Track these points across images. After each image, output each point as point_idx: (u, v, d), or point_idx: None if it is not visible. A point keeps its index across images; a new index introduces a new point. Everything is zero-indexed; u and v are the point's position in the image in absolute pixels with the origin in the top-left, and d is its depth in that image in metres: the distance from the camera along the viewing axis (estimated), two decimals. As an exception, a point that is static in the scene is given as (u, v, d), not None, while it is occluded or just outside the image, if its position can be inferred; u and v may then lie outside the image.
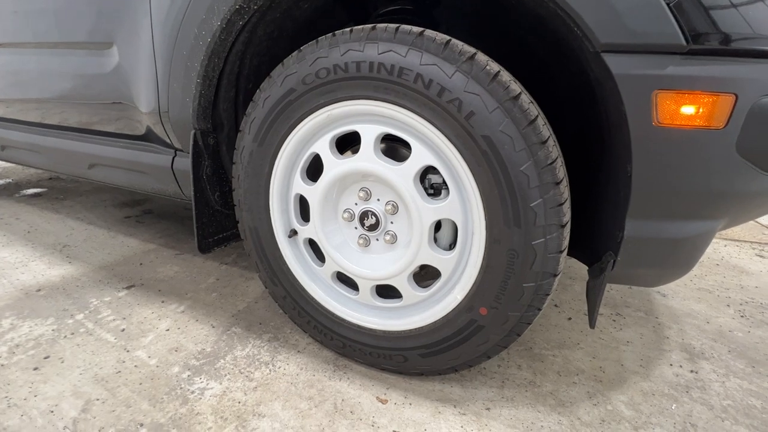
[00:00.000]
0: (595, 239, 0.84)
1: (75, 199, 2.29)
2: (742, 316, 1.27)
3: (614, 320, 1.22)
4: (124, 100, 1.10)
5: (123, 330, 1.11)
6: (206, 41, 0.87)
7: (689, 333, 1.17)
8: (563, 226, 0.68)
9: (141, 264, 1.52)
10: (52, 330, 1.10)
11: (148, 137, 1.14)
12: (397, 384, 0.93)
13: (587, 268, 0.92)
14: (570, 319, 1.22)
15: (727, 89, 0.55)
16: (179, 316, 1.18)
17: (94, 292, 1.31)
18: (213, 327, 1.13)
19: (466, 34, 0.99)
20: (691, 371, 1.01)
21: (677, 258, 0.70)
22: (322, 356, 1.02)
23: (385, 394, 0.90)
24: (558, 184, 0.66)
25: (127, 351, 1.02)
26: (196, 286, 1.36)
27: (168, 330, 1.12)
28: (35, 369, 0.95)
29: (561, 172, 0.67)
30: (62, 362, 0.98)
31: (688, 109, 0.57)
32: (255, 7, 0.83)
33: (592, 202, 0.83)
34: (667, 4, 0.53)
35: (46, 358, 0.99)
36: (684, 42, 0.54)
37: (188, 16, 0.87)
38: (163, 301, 1.26)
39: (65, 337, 1.08)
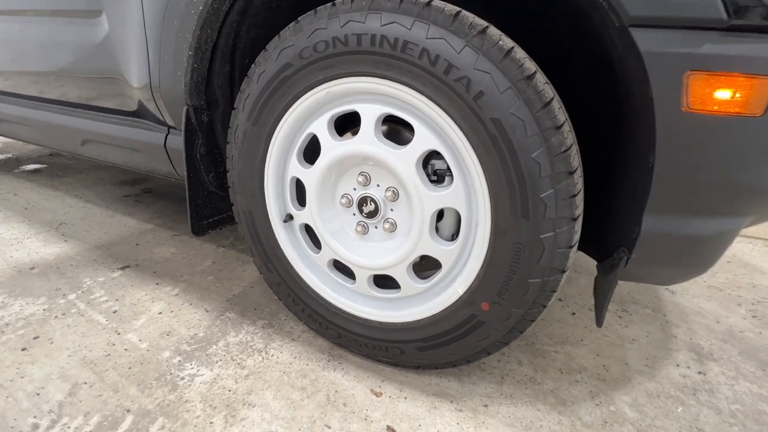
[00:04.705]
0: (608, 233, 0.79)
1: (74, 176, 2.26)
2: (753, 317, 1.22)
3: (620, 317, 1.18)
4: (115, 74, 1.05)
5: (115, 312, 1.09)
6: (198, 9, 0.81)
7: (698, 332, 1.13)
8: (575, 220, 0.63)
9: (137, 244, 1.50)
10: (43, 310, 1.08)
11: (141, 113, 1.09)
12: (393, 376, 0.90)
13: (596, 263, 0.87)
14: (574, 314, 1.18)
15: (768, 72, 0.49)
16: (173, 299, 1.16)
17: (89, 272, 1.28)
18: (207, 311, 1.11)
19: (477, 5, 0.91)
20: (699, 373, 0.97)
21: (697, 257, 0.65)
22: (317, 345, 0.99)
23: (380, 386, 0.87)
24: (572, 173, 0.61)
25: (118, 334, 1.00)
26: (192, 268, 1.33)
27: (161, 313, 1.09)
28: (23, 349, 0.93)
29: (575, 160, 0.62)
30: (51, 343, 0.96)
31: (723, 94, 0.51)
32: (250, -27, 0.77)
33: (606, 193, 0.78)
34: (709, -28, 0.47)
35: (35, 338, 0.97)
36: (725, 16, 0.48)
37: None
38: (157, 283, 1.24)
39: (56, 317, 1.06)
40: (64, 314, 1.07)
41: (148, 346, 0.96)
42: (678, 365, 0.99)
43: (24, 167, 2.43)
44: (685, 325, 1.16)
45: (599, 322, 0.77)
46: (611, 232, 0.77)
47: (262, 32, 0.96)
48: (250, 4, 0.87)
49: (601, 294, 0.75)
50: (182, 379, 0.86)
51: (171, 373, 0.88)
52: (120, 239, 1.53)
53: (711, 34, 0.49)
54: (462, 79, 0.61)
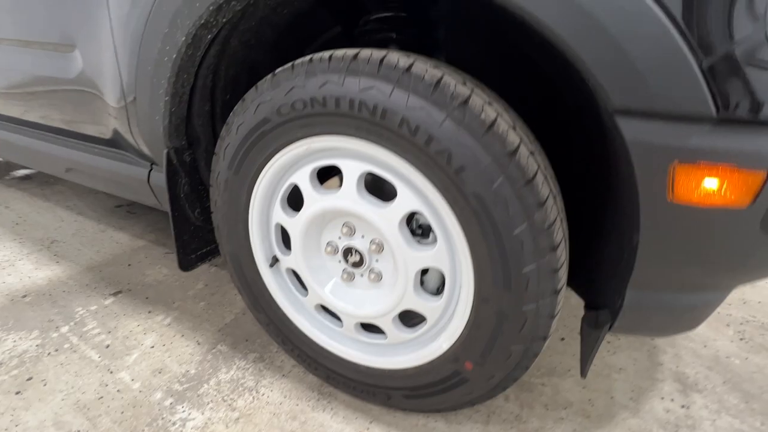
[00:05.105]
0: (595, 284, 0.79)
1: (65, 184, 2.24)
2: (741, 339, 1.24)
3: (608, 342, 1.19)
4: (93, 112, 1.01)
5: (108, 347, 1.10)
6: (171, 57, 0.77)
7: (684, 359, 1.14)
8: (557, 292, 0.62)
9: (129, 265, 1.50)
10: (36, 346, 1.09)
11: (122, 147, 1.07)
12: (381, 417, 0.91)
13: (583, 303, 0.87)
14: (563, 339, 1.19)
15: (757, 165, 0.47)
16: (165, 329, 1.17)
17: (81, 299, 1.29)
18: (198, 344, 1.12)
19: (466, 47, 0.88)
20: (683, 406, 0.98)
21: (680, 324, 0.65)
22: (307, 382, 1.00)
23: (368, 428, 0.89)
24: (555, 249, 0.60)
25: (111, 372, 1.01)
26: (184, 293, 1.34)
27: (153, 347, 1.10)
28: (17, 393, 0.95)
29: (559, 234, 0.60)
30: (45, 385, 0.97)
31: (709, 186, 0.49)
32: (224, 20, 0.73)
33: (594, 244, 0.77)
34: (699, 67, 0.44)
35: (29, 379, 0.99)
36: (714, 111, 0.46)
37: (149, 30, 0.77)
38: (150, 311, 1.24)
39: (49, 354, 1.07)
40: (57, 350, 1.08)
41: (141, 386, 0.98)
42: (662, 398, 1.01)
43: (15, 173, 2.41)
44: (672, 350, 1.17)
45: (584, 373, 0.77)
46: (597, 284, 0.76)
47: (243, 68, 0.93)
48: (227, 46, 0.84)
49: (588, 345, 0.76)
50: (174, 424, 0.88)
51: (163, 418, 0.89)
52: (112, 259, 1.53)
53: (698, 126, 0.47)
54: (443, 152, 0.59)
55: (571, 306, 1.35)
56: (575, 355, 1.13)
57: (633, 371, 1.08)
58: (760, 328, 1.29)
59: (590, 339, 0.73)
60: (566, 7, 0.47)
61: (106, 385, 0.97)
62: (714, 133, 0.47)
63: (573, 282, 0.88)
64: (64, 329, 1.16)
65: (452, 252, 0.69)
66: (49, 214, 1.90)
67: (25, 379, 0.99)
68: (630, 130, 0.49)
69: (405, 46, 0.89)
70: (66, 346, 1.09)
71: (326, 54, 0.66)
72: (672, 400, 1.00)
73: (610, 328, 0.66)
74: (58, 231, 1.74)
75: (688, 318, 0.64)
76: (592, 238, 0.77)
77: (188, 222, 1.05)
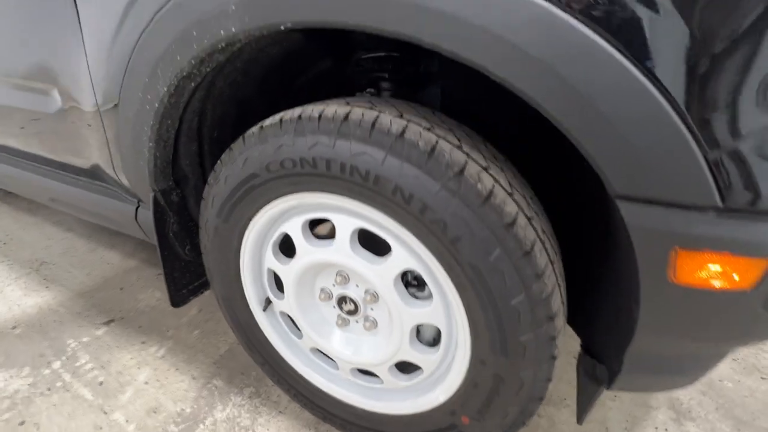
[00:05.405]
0: (591, 329, 0.78)
1: (53, 196, 2.19)
2: (734, 359, 1.25)
3: (604, 366, 1.20)
4: (74, 151, 0.98)
5: (101, 384, 1.08)
6: (153, 106, 0.74)
7: (678, 384, 1.15)
8: (554, 358, 0.61)
9: (121, 288, 1.47)
10: (28, 385, 1.08)
11: (108, 182, 1.03)
12: (378, 457, 0.92)
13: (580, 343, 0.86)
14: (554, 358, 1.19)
15: (761, 254, 0.46)
16: (159, 362, 1.16)
17: (72, 330, 1.27)
18: (193, 378, 1.11)
19: (461, 80, 0.85)
20: (676, 437, 1.00)
21: (678, 383, 0.65)
22: (304, 419, 1.00)
23: (365, 470, 0.89)
24: (552, 318, 0.59)
25: (105, 413, 1.00)
26: (178, 320, 1.32)
27: (147, 383, 1.09)
28: (10, 440, 0.94)
29: (557, 302, 0.59)
30: (38, 430, 0.96)
31: (712, 270, 0.48)
32: (207, 70, 0.70)
33: (592, 294, 0.76)
34: (705, 159, 0.42)
35: (21, 424, 0.97)
36: (720, 201, 0.44)
37: (128, 78, 0.73)
38: (143, 342, 1.23)
39: (42, 393, 1.05)
40: (49, 389, 1.07)
41: (135, 427, 0.97)
42: (656, 428, 1.02)
43: None
44: (666, 374, 1.18)
45: (580, 421, 0.77)
46: (596, 335, 0.76)
47: (231, 105, 0.89)
48: (213, 88, 0.80)
49: (585, 397, 0.75)
50: (170, 470, 0.88)
51: (159, 464, 0.89)
52: (104, 282, 1.51)
53: (702, 214, 0.45)
54: (438, 221, 0.57)
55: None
56: (571, 382, 1.14)
57: (628, 398, 1.09)
58: (752, 349, 1.30)
59: (588, 391, 0.73)
60: (565, 92, 0.45)
61: (101, 428, 0.97)
62: (718, 222, 0.45)
63: (569, 319, 0.88)
64: (56, 365, 1.14)
65: (448, 311, 0.68)
66: (36, 232, 1.86)
67: (17, 424, 0.97)
68: (631, 214, 0.48)
69: (399, 84, 0.86)
70: (58, 384, 1.08)
71: (315, 112, 0.63)
72: (666, 429, 1.01)
73: (608, 387, 0.66)
74: (46, 251, 1.70)
75: (685, 378, 0.64)
76: (590, 287, 0.76)
77: (178, 259, 1.03)
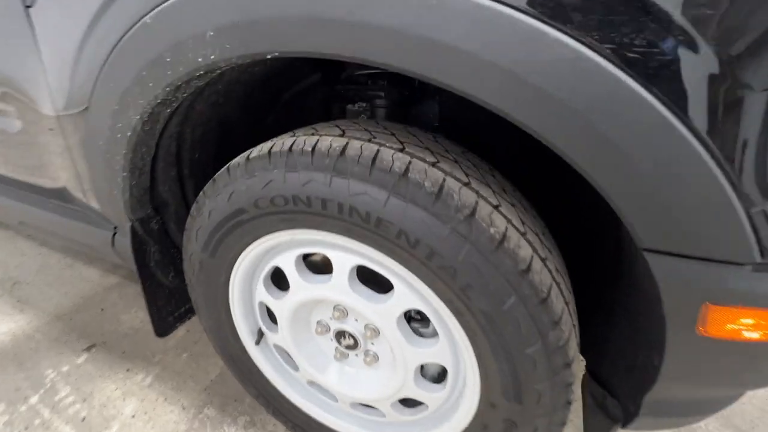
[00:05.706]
0: (603, 362, 0.75)
1: (24, 206, 2.06)
2: (730, 364, 1.26)
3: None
4: (47, 175, 0.89)
5: (83, 419, 1.02)
6: (125, 134, 0.66)
7: (678, 392, 1.15)
8: (570, 403, 0.58)
9: (102, 309, 1.40)
10: (3, 424, 1.01)
11: (83, 208, 0.95)
12: (381, 488, 0.89)
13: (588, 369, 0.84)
14: (559, 376, 1.18)
15: (797, 306, 0.43)
16: (146, 392, 1.10)
17: (51, 358, 1.19)
18: (184, 408, 1.05)
19: (460, 106, 0.79)
20: (679, 450, 0.99)
21: (693, 420, 0.62)
22: (302, 449, 0.96)
23: (368, 504, 0.86)
24: (569, 365, 0.55)
25: (89, 453, 0.95)
26: (164, 343, 1.26)
27: (134, 416, 1.03)
28: (-14, 490, 0.87)
29: (573, 349, 0.56)
30: (16, 477, 0.90)
31: (743, 324, 0.45)
32: (184, 96, 0.63)
33: (602, 327, 0.72)
34: (747, 214, 0.39)
35: (-3, 470, 0.91)
36: (758, 257, 0.40)
37: (96, 104, 0.65)
38: (128, 369, 1.16)
39: (19, 434, 0.99)
40: (26, 428, 1.00)
41: (123, 468, 0.91)
42: (659, 441, 1.01)
43: (-35, 194, 2.20)
44: (665, 382, 1.18)
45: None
46: (605, 365, 0.73)
47: (212, 125, 0.82)
48: (192, 111, 0.73)
49: (595, 428, 0.73)
50: None
51: None
52: (83, 303, 1.43)
53: (738, 270, 0.42)
54: (447, 268, 0.53)
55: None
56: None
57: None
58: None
59: (600, 425, 0.70)
60: (589, 137, 0.40)
61: (85, 471, 0.91)
62: (754, 277, 0.42)
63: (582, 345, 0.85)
64: (34, 399, 1.07)
65: (455, 349, 0.64)
66: (9, 246, 1.75)
67: (-7, 471, 0.91)
68: (661, 268, 0.44)
69: (394, 101, 0.80)
70: (37, 422, 1.01)
71: (308, 145, 0.57)
72: (668, 443, 1.01)
73: (623, 427, 0.63)
74: (19, 269, 1.60)
75: (701, 415, 0.62)
76: (600, 315, 0.73)
77: (162, 287, 0.96)
